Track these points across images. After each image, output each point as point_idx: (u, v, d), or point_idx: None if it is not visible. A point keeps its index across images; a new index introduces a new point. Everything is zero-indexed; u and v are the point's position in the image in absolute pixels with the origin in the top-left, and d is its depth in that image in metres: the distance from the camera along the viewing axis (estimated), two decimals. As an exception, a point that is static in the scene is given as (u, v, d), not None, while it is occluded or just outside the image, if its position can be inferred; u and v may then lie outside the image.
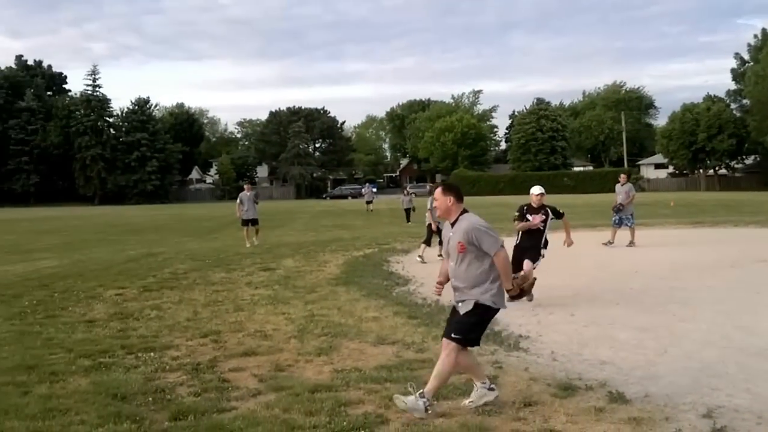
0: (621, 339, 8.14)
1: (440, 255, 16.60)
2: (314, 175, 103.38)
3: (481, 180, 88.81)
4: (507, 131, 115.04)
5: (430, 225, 17.35)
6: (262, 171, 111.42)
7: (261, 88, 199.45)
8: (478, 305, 5.75)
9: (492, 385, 5.84)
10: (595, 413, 5.55)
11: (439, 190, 5.96)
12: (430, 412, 5.53)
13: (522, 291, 6.17)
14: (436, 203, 6.02)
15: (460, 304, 5.87)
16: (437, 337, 8.15)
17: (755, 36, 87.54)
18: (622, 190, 19.42)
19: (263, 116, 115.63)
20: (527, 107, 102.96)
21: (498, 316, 9.23)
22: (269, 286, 12.70)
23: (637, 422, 5.32)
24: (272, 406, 5.84)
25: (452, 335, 5.77)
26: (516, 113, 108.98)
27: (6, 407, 5.86)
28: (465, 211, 5.92)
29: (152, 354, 7.69)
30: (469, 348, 5.90)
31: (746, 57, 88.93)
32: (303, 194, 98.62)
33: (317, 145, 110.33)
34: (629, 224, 19.12)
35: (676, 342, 7.92)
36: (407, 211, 33.61)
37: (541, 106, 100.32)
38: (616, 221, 19.29)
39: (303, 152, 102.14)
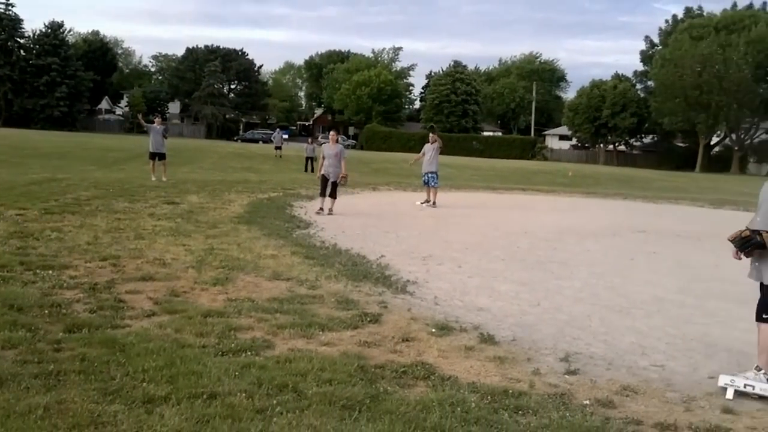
0: (500, 290, 8.71)
1: (319, 210, 16.13)
2: (227, 116, 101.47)
3: (393, 136, 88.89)
4: (423, 91, 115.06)
5: (323, 176, 16.27)
6: (174, 107, 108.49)
7: (179, 23, 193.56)
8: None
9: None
10: (465, 351, 6.03)
11: None
12: None
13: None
14: None
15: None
16: (330, 277, 8.57)
17: (666, 21, 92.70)
18: (430, 149, 19.27)
19: (180, 52, 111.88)
20: (444, 69, 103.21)
21: (390, 262, 9.85)
22: (172, 219, 12.84)
23: (501, 361, 5.82)
24: (165, 326, 6.11)
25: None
26: (433, 74, 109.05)
27: None
28: None
29: (50, 272, 7.82)
30: None
31: (656, 40, 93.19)
32: (214, 134, 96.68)
33: (232, 87, 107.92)
34: (434, 184, 19.12)
35: (550, 296, 8.54)
36: (308, 159, 33.51)
37: (458, 68, 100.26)
38: (426, 180, 19.26)
39: (217, 92, 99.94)
